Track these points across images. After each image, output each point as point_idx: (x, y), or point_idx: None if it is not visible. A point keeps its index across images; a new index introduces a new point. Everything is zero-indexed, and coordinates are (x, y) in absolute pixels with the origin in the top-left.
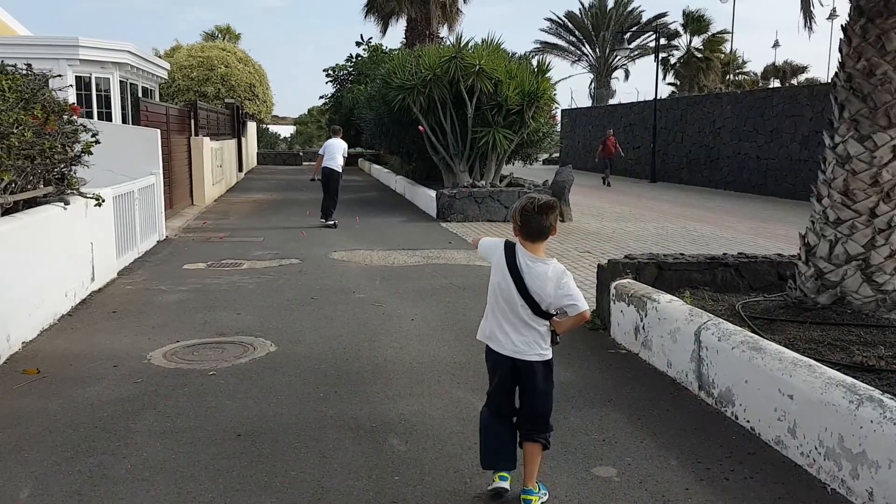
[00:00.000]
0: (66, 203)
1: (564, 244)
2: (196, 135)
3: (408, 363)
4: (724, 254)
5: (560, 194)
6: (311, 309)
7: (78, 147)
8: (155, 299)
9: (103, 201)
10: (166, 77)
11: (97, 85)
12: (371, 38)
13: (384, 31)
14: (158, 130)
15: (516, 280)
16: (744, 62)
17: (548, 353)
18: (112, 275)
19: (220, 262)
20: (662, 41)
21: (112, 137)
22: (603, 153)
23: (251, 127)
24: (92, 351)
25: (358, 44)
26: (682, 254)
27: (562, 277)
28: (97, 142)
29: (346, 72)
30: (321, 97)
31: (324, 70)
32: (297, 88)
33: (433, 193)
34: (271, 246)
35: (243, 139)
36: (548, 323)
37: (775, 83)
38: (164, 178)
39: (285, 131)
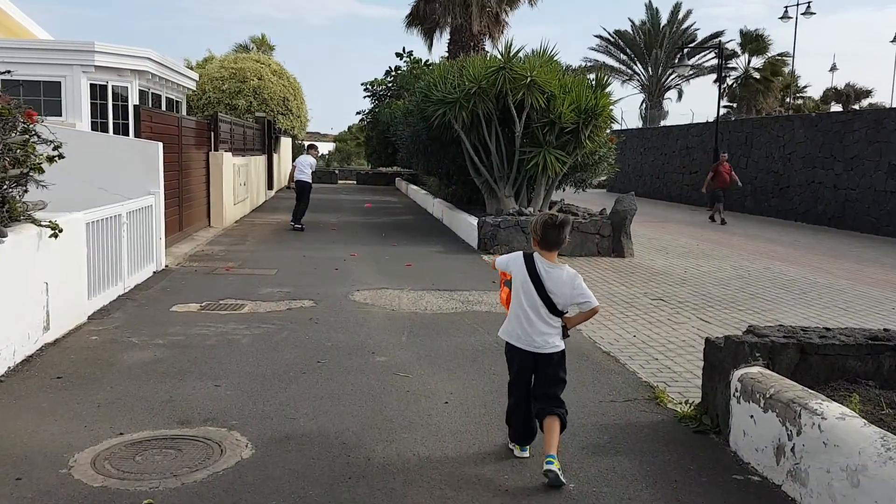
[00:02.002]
0: (2, 235)
1: (631, 288)
2: (216, 149)
3: (438, 487)
4: (887, 330)
5: (621, 226)
6: (315, 380)
7: (40, 160)
8: (119, 358)
9: (60, 231)
10: (195, 88)
11: (115, 94)
12: (412, 50)
13: (430, 44)
14: (160, 143)
15: (536, 284)
16: (804, 86)
17: (561, 346)
18: (80, 319)
19: (218, 303)
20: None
21: (105, 151)
22: (714, 182)
23: (285, 143)
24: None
25: (398, 55)
26: (827, 329)
27: (575, 279)
28: (59, 156)
29: (384, 87)
30: (357, 112)
31: (361, 84)
32: (337, 106)
33: (474, 221)
34: (284, 281)
35: (275, 155)
36: (560, 320)
37: (836, 107)
38: (175, 197)
39: (324, 148)
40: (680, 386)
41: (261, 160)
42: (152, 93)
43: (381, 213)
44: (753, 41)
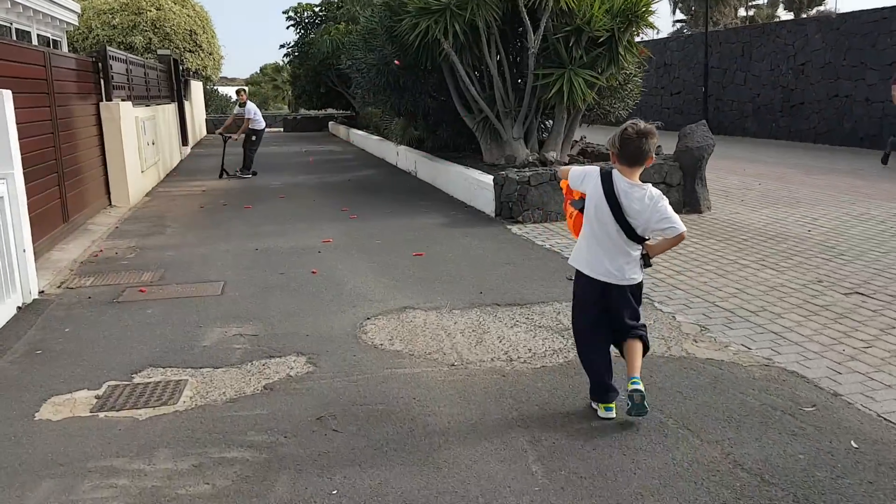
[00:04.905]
0: None
1: (781, 271)
2: (108, 98)
3: None
4: None
5: (695, 170)
6: None
7: None
8: None
9: None
10: (77, 24)
11: None
12: None
13: None
14: (8, 92)
15: (613, 206)
16: None
17: (638, 278)
18: None
19: (131, 384)
20: None
21: None
22: None
23: (196, 87)
24: None
25: None
26: None
27: (658, 201)
28: None
29: (312, 13)
30: (282, 46)
31: (283, 12)
32: (245, 48)
33: (487, 178)
34: (241, 309)
35: (186, 103)
36: (640, 247)
37: (787, 16)
38: (52, 172)
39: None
40: None
41: (170, 109)
42: (16, 28)
43: (330, 167)
44: None
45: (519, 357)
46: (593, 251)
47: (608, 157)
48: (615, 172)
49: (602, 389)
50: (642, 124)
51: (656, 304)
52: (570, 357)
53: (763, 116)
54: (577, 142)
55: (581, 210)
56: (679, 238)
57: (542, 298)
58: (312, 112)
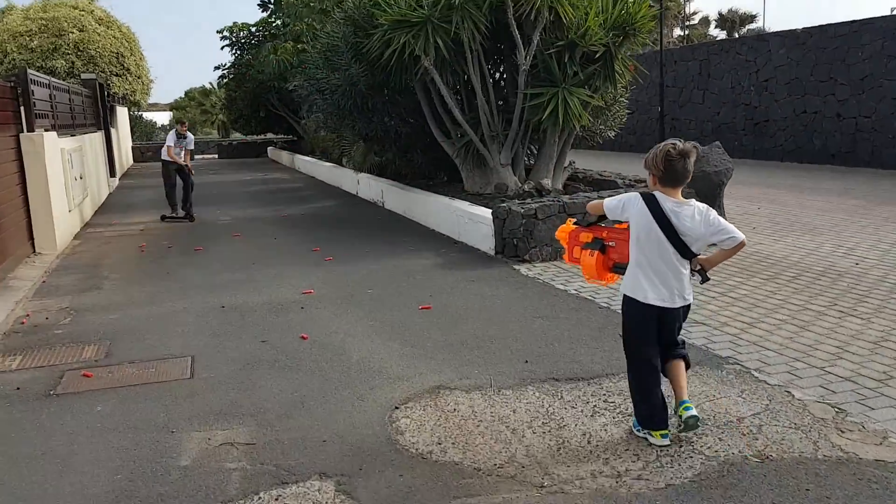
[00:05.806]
0: None
1: (824, 304)
2: (30, 129)
3: None
4: None
5: (714, 197)
6: None
7: None
8: None
9: None
10: None
11: None
12: None
13: None
14: None
15: (665, 227)
16: (692, 13)
17: (691, 298)
18: None
19: None
20: None
21: None
22: None
23: (122, 114)
24: None
25: None
26: None
27: (708, 214)
28: None
29: (248, 32)
30: (216, 67)
31: (218, 31)
32: (167, 70)
33: (482, 212)
34: (221, 398)
35: (113, 131)
36: (689, 263)
37: (721, 35)
38: None
39: (162, 118)
40: None
41: (97, 138)
42: None
43: (282, 198)
44: None
45: (627, 469)
46: (649, 278)
47: (602, 182)
48: (658, 194)
49: (661, 416)
50: (681, 144)
51: (755, 373)
52: (697, 466)
53: (725, 135)
54: (565, 167)
55: (601, 250)
56: (739, 246)
57: (607, 369)
58: (249, 137)
